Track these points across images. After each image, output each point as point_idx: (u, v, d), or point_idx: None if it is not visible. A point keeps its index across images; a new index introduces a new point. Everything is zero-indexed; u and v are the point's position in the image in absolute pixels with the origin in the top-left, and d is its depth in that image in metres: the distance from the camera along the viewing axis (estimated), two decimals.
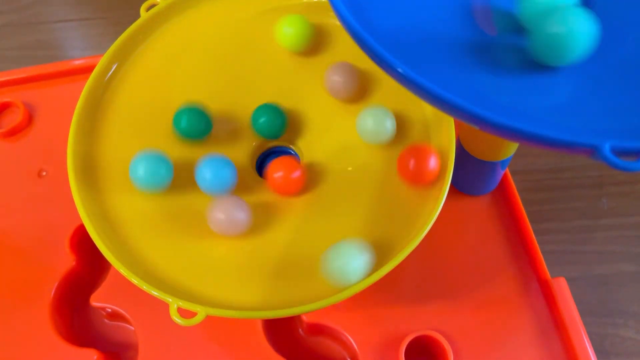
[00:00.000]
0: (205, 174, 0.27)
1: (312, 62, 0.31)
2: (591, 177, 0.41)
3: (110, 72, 0.30)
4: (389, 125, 0.28)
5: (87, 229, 0.26)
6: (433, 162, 0.27)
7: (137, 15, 0.31)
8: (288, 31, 0.30)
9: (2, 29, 0.51)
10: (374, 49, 0.18)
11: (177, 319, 0.23)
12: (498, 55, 0.22)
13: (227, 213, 0.26)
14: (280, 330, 0.32)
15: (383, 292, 0.31)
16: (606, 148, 0.15)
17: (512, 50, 0.23)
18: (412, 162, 0.26)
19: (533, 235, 0.32)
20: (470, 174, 0.32)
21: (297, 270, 0.26)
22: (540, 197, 0.41)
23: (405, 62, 0.17)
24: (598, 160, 0.16)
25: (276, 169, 0.27)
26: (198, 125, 0.28)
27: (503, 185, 0.34)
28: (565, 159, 0.42)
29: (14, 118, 0.37)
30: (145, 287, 0.24)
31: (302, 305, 0.24)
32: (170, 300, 0.23)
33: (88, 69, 0.38)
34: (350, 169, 0.29)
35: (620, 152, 0.16)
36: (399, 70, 0.18)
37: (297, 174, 0.27)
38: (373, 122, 0.28)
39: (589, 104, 0.19)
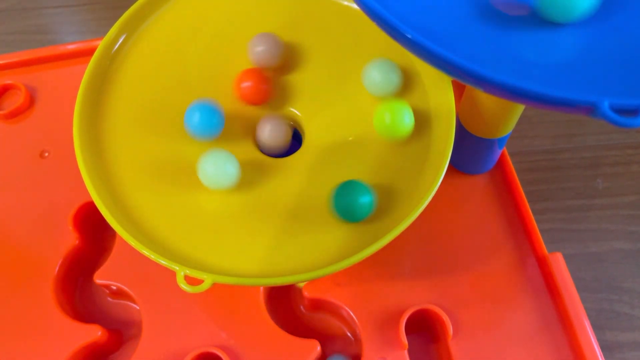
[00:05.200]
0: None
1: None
2: (586, 158, 0.42)
3: (118, 44, 0.30)
4: (395, 77, 0.29)
5: (94, 200, 0.26)
6: None
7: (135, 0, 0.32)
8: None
9: (2, 14, 0.51)
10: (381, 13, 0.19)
11: (184, 286, 0.23)
12: (505, 16, 0.22)
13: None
14: (282, 307, 0.33)
15: (383, 268, 0.31)
16: (605, 105, 0.16)
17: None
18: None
19: (530, 212, 0.32)
20: (468, 152, 0.33)
21: (298, 240, 0.26)
22: (537, 178, 0.41)
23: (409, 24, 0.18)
24: (597, 118, 0.16)
25: (244, 79, 0.29)
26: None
27: (501, 164, 0.35)
28: (561, 140, 0.43)
29: (16, 100, 0.37)
30: (153, 256, 0.24)
31: (305, 272, 0.24)
32: (177, 268, 0.24)
33: (89, 52, 0.38)
34: (350, 138, 0.29)
35: (619, 110, 0.16)
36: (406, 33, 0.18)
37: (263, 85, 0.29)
38: (379, 74, 0.28)
39: (589, 64, 0.20)
